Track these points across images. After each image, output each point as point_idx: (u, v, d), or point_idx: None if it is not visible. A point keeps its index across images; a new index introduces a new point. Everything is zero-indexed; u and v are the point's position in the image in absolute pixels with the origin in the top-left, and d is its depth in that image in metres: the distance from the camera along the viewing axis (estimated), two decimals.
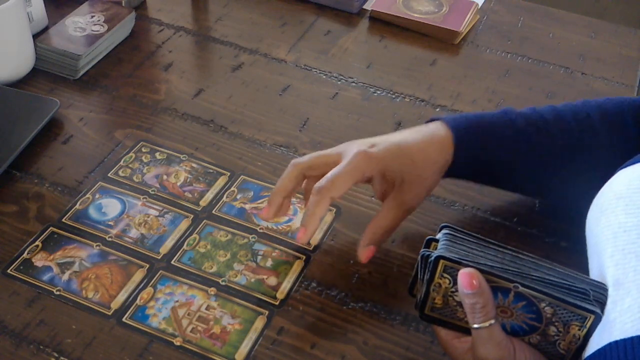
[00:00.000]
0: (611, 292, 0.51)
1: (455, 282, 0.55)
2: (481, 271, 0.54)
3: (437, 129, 0.69)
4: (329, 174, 0.65)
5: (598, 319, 0.52)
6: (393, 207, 0.68)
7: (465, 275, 0.53)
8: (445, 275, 0.56)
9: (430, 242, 0.58)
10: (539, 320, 0.54)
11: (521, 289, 0.53)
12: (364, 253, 0.67)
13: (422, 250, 0.57)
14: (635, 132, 0.69)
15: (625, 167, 0.57)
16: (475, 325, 0.54)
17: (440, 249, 0.56)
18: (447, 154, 0.68)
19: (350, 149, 0.67)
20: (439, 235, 0.57)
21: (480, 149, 0.69)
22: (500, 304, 0.55)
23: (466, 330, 0.57)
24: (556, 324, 0.54)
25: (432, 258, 0.55)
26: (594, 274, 0.56)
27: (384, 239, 0.69)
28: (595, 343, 0.50)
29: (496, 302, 0.54)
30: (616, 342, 0.47)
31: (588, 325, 0.52)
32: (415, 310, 0.59)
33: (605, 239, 0.54)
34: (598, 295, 0.53)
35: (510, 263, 0.55)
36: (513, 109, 0.72)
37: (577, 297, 0.53)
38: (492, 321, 0.54)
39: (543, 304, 0.53)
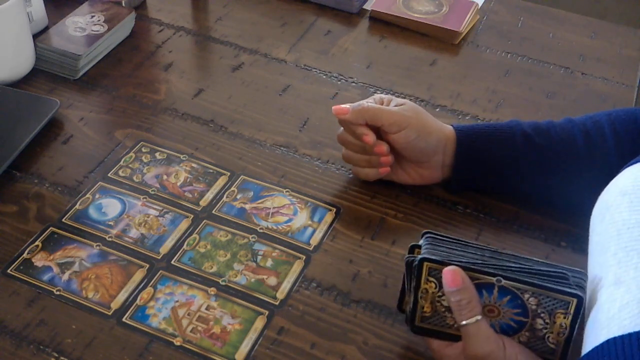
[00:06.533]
0: (612, 290, 0.51)
1: (441, 286, 0.57)
2: (464, 268, 0.56)
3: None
4: None
5: (580, 302, 0.54)
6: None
7: (448, 273, 0.56)
8: (430, 278, 0.57)
9: (414, 248, 0.61)
10: (525, 315, 0.56)
11: (504, 282, 0.55)
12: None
13: (406, 256, 0.60)
14: None
15: (632, 164, 0.57)
16: (463, 322, 0.56)
17: (423, 253, 0.58)
18: (450, 140, 0.75)
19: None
20: (421, 242, 0.60)
21: (480, 140, 0.73)
22: (487, 302, 0.56)
23: (457, 338, 0.59)
24: (542, 315, 0.55)
25: (417, 262, 0.57)
26: (593, 272, 0.56)
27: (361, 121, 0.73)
28: (594, 340, 0.50)
29: (482, 300, 0.56)
30: (614, 338, 0.47)
31: (572, 311, 0.54)
32: (407, 325, 0.61)
33: (609, 236, 0.54)
34: (578, 280, 0.55)
35: (490, 259, 0.57)
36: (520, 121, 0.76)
37: (558, 282, 0.55)
38: (479, 317, 0.56)
39: (527, 295, 0.55)
